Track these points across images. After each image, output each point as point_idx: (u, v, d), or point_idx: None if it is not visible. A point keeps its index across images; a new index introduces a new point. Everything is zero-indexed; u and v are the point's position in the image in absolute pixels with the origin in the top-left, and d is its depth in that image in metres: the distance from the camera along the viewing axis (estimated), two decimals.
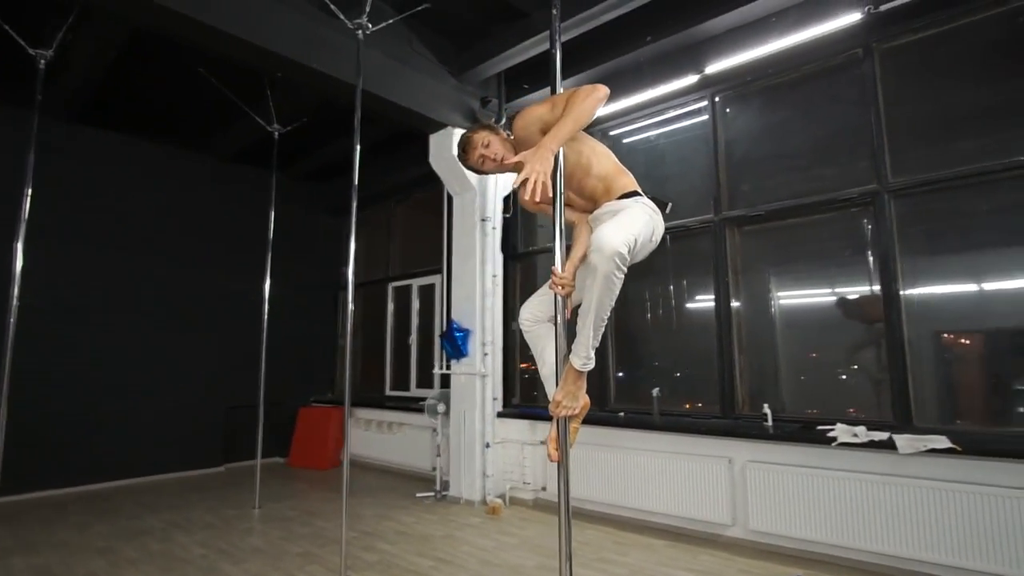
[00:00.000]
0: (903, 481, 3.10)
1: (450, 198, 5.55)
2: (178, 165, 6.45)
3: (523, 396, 5.39)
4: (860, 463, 3.28)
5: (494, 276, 5.18)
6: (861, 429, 3.31)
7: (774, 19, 3.91)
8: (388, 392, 6.66)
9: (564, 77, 4.89)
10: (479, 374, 4.98)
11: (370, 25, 3.69)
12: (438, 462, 5.23)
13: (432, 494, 5.07)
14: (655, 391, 4.29)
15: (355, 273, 7.44)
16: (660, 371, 4.57)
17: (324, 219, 7.68)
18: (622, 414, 4.48)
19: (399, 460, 6.08)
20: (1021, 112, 3.28)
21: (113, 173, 5.98)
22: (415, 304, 6.55)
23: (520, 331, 2.22)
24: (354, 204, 3.75)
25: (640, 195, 1.92)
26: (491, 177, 5.20)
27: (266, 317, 5.09)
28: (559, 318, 1.73)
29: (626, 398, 4.66)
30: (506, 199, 5.38)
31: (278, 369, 5.44)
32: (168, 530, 4.16)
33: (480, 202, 5.19)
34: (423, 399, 5.90)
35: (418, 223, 7.02)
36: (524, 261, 5.56)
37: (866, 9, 3.51)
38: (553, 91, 1.92)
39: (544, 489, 4.74)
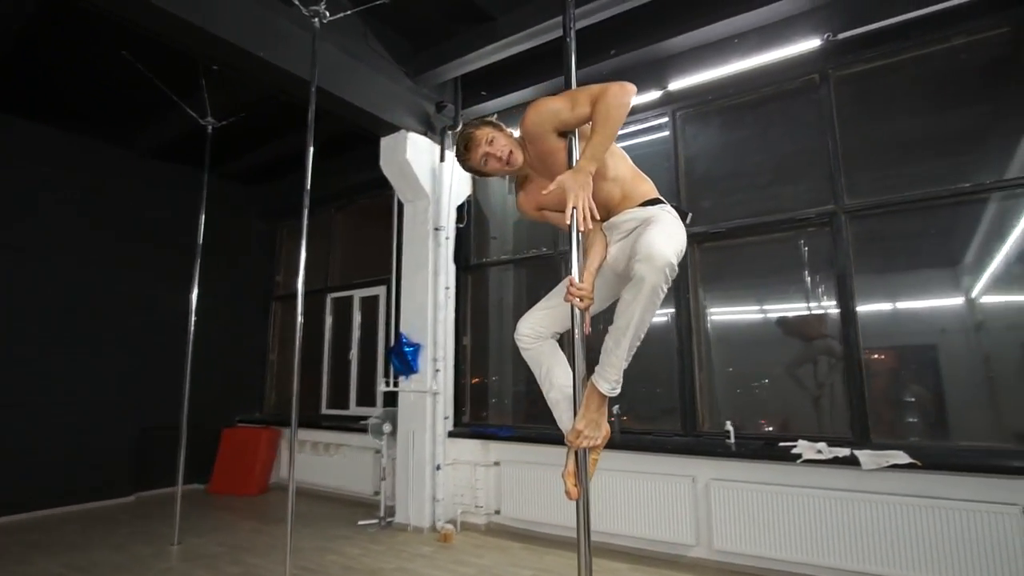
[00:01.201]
0: (865, 496, 3.14)
1: (400, 205, 5.27)
2: (93, 159, 5.79)
3: (473, 415, 5.16)
4: (823, 479, 3.30)
5: (447, 288, 4.95)
6: (823, 445, 3.35)
7: (736, 41, 3.99)
8: (325, 411, 6.21)
9: (522, 88, 4.84)
10: (430, 391, 4.71)
11: (327, 13, 3.43)
12: (382, 486, 4.88)
13: (376, 521, 4.72)
14: (615, 409, 4.20)
15: (290, 283, 7.04)
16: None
17: (256, 224, 7.16)
18: None
19: (337, 484, 5.66)
20: (963, 142, 3.48)
21: (15, 165, 5.27)
22: (356, 317, 6.18)
23: (503, 346, 2.03)
24: (306, 210, 3.42)
25: (664, 202, 1.79)
26: (444, 186, 4.99)
27: (192, 328, 4.59)
28: (577, 333, 1.56)
29: None
30: (460, 208, 5.17)
31: (200, 386, 4.91)
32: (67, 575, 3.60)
33: (434, 211, 4.96)
34: (364, 418, 5.53)
35: (361, 231, 6.66)
36: (476, 273, 5.36)
37: (825, 36, 3.63)
38: (567, 83, 1.76)
39: (497, 512, 4.52)
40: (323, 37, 3.61)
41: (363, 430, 5.32)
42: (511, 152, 1.80)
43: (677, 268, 1.48)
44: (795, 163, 3.97)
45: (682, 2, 3.89)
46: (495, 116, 1.96)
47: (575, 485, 1.61)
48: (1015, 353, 3.25)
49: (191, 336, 4.56)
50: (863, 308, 3.55)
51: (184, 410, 4.48)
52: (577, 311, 1.58)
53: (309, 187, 3.57)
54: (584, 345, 1.59)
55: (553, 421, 4.65)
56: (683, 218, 1.74)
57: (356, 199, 6.46)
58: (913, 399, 3.50)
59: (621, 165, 1.83)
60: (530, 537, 4.28)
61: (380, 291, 5.93)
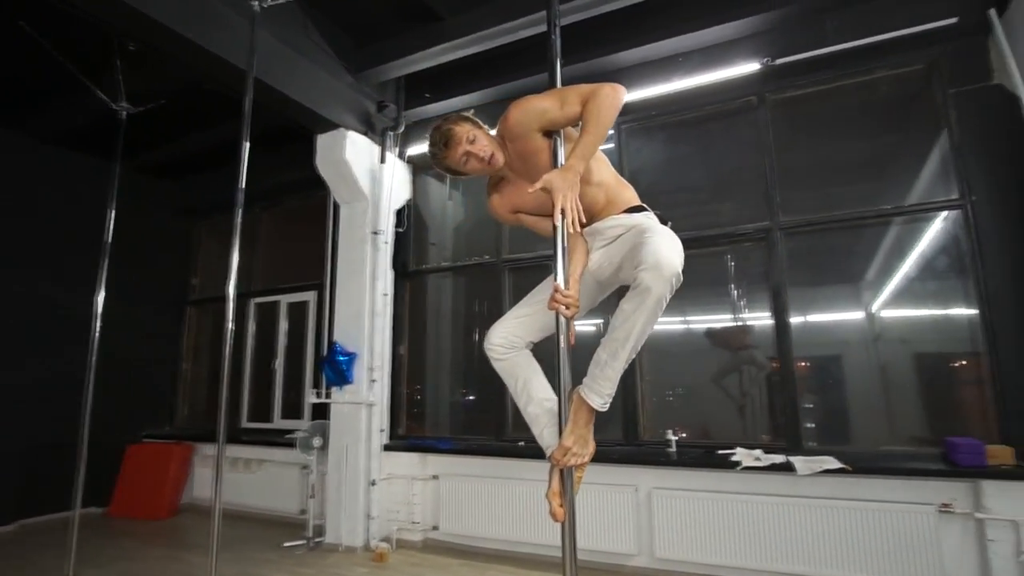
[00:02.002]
0: (800, 501, 3.27)
1: (336, 207, 5.02)
2: None
3: (409, 427, 4.97)
4: (760, 486, 3.41)
5: (385, 295, 4.75)
6: (760, 452, 3.46)
7: (681, 59, 4.11)
8: (245, 424, 5.79)
9: (468, 92, 4.76)
10: (365, 403, 4.48)
11: None
12: (310, 504, 4.58)
13: (303, 542, 4.41)
14: None
15: (204, 287, 6.56)
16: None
17: (170, 222, 6.61)
18: (521, 443, 4.28)
19: (258, 503, 5.26)
20: (884, 167, 3.76)
21: None
22: (283, 324, 5.82)
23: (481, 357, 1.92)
24: (239, 208, 3.14)
25: (647, 210, 1.76)
26: (384, 188, 4.81)
27: (97, 335, 4.12)
28: (563, 342, 1.48)
29: (525, 427, 4.46)
30: (399, 212, 5.00)
31: (101, 398, 4.40)
32: None
33: (372, 214, 4.75)
34: (290, 431, 5.19)
35: (289, 233, 6.31)
36: (415, 280, 5.20)
37: (764, 61, 3.81)
38: (552, 80, 1.70)
39: (435, 528, 4.35)
40: (261, 24, 3.37)
41: (289, 444, 4.98)
42: (492, 154, 1.71)
43: (682, 278, 1.44)
44: (734, 180, 4.13)
45: (630, 18, 3.95)
46: (472, 111, 1.84)
47: (561, 506, 1.52)
48: (924, 364, 3.53)
49: (94, 344, 4.08)
50: (795, 320, 3.73)
51: (85, 425, 3.99)
52: (562, 320, 1.51)
53: (240, 183, 3.24)
54: (570, 356, 1.51)
55: (493, 431, 4.57)
56: (663, 225, 1.72)
57: (284, 199, 6.11)
58: (828, 409, 3.72)
59: (605, 170, 1.79)
60: (470, 553, 4.15)
61: (310, 297, 5.62)
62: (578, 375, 1.57)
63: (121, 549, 4.44)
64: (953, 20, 3.34)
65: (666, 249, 1.40)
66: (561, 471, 1.53)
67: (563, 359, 1.48)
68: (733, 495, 3.45)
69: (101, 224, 4.28)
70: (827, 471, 3.21)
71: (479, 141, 1.70)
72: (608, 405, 1.55)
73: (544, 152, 1.68)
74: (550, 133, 1.68)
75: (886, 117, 3.85)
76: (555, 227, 1.53)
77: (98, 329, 4.10)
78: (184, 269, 6.65)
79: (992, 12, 3.19)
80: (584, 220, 1.56)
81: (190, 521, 5.36)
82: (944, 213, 3.49)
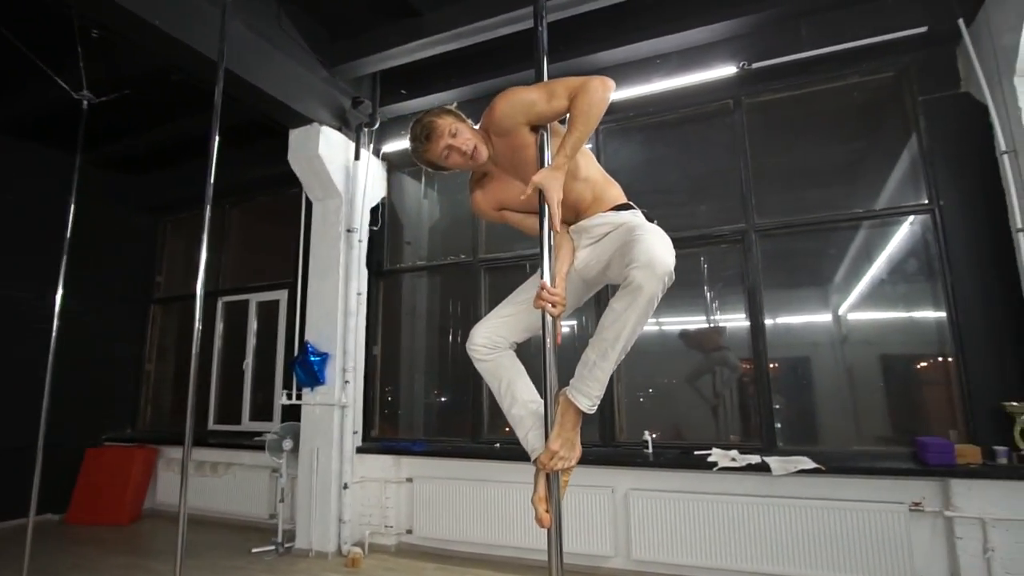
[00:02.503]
0: (775, 501, 3.30)
1: (309, 204, 4.91)
2: None
3: (383, 428, 4.88)
4: (736, 486, 3.43)
5: (359, 294, 4.65)
6: (736, 453, 3.48)
7: (659, 61, 4.12)
8: (212, 426, 5.61)
9: (444, 89, 4.69)
10: (338, 404, 4.38)
11: None
12: (280, 508, 4.46)
13: (272, 548, 4.29)
14: None
15: (169, 285, 6.36)
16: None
17: (133, 218, 6.37)
18: (497, 445, 4.23)
19: (226, 508, 5.10)
20: (857, 171, 3.83)
21: None
22: (253, 323, 5.66)
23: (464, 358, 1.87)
24: (208, 204, 3.01)
25: (634, 207, 1.73)
26: (359, 185, 4.72)
27: (54, 334, 3.93)
28: (549, 343, 1.44)
29: (501, 428, 4.43)
30: (374, 210, 4.91)
31: (59, 400, 4.18)
32: None
33: (347, 211, 4.65)
34: (260, 434, 5.07)
35: (259, 230, 6.16)
36: (389, 279, 5.11)
37: (740, 65, 3.83)
38: (538, 74, 1.66)
39: (409, 532, 4.27)
40: (232, 14, 3.26)
41: (258, 447, 4.85)
42: (475, 147, 1.67)
43: (674, 276, 1.41)
44: (710, 182, 4.16)
45: (610, 18, 3.94)
46: (455, 104, 1.79)
47: (547, 511, 1.48)
48: (895, 366, 3.60)
49: (52, 343, 3.90)
50: (769, 321, 3.77)
51: (41, 428, 3.81)
52: (548, 319, 1.47)
53: (209, 179, 3.12)
54: (556, 356, 1.47)
55: (469, 433, 4.51)
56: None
57: (254, 195, 5.95)
58: (804, 410, 3.77)
59: (592, 166, 1.76)
60: (445, 556, 4.08)
61: (281, 295, 5.48)
62: (564, 375, 1.53)
63: (80, 557, 4.25)
64: (923, 29, 3.41)
65: (659, 247, 1.38)
66: (547, 475, 1.49)
67: (549, 359, 1.44)
68: (709, 495, 3.46)
69: (60, 218, 4.09)
70: (801, 471, 3.24)
71: (461, 134, 1.65)
72: (596, 407, 1.52)
73: (531, 147, 1.64)
74: (537, 127, 1.64)
75: (858, 122, 3.92)
76: (541, 225, 1.49)
77: (56, 328, 3.90)
78: (148, 267, 6.43)
79: (961, 22, 3.26)
80: (567, 218, 1.53)
81: (153, 527, 5.17)
82: (911, 217, 3.56)
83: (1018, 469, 2.93)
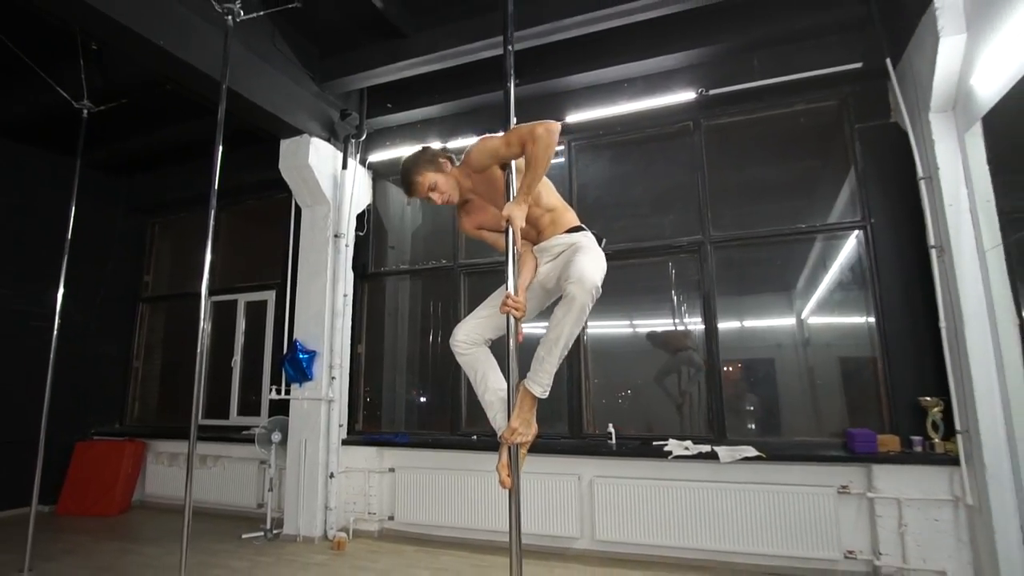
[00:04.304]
0: (723, 485, 3.68)
1: (298, 210, 5.17)
2: None
3: (366, 423, 5.16)
4: (689, 473, 3.81)
5: (345, 296, 4.93)
6: (689, 443, 3.86)
7: (626, 84, 4.48)
8: (201, 421, 5.81)
9: (427, 104, 4.99)
10: (325, 399, 4.66)
11: (242, 12, 3.37)
12: (268, 497, 4.72)
13: (261, 534, 4.56)
14: None
15: (157, 285, 6.54)
16: None
17: (122, 219, 6.54)
18: (475, 437, 4.56)
19: (215, 499, 5.33)
20: (809, 189, 4.25)
21: None
22: (240, 323, 5.90)
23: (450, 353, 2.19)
24: (212, 210, 3.29)
25: (586, 229, 2.07)
26: (346, 193, 5.00)
27: (55, 332, 4.15)
28: (512, 341, 1.78)
29: (479, 422, 4.75)
30: (360, 216, 5.19)
31: (51, 396, 4.36)
32: None
33: (334, 217, 4.93)
34: (246, 428, 5.32)
35: (247, 233, 6.38)
36: (374, 282, 5.40)
37: (699, 91, 4.22)
38: (506, 96, 1.97)
39: (391, 518, 4.57)
40: (232, 34, 3.53)
41: (245, 440, 5.12)
42: (450, 196, 2.04)
43: (601, 290, 1.77)
44: (671, 197, 4.54)
45: (580, 45, 4.29)
46: (441, 148, 2.12)
47: (508, 476, 1.82)
48: (834, 366, 4.02)
49: (54, 340, 4.12)
50: (722, 325, 4.15)
51: (43, 420, 4.03)
52: (512, 321, 1.80)
53: (213, 186, 3.39)
54: (518, 352, 1.81)
55: (448, 426, 4.82)
56: (599, 242, 2.04)
57: (243, 200, 6.17)
58: (753, 405, 4.18)
59: (551, 196, 2.10)
60: (424, 540, 4.39)
61: (269, 296, 5.73)
62: (524, 368, 1.88)
63: (74, 544, 4.47)
64: (859, 65, 3.83)
65: (589, 267, 1.74)
66: (509, 448, 1.82)
67: (512, 356, 1.78)
68: (666, 481, 3.83)
69: (49, 218, 4.30)
70: (746, 459, 3.63)
71: (438, 188, 2.01)
72: (547, 393, 1.86)
73: (500, 180, 1.98)
74: (504, 166, 1.97)
75: (805, 145, 4.34)
76: (507, 245, 1.83)
77: (56, 327, 4.12)
78: (137, 267, 6.61)
79: (888, 61, 3.68)
80: (530, 238, 1.89)
81: (142, 517, 5.38)
82: (856, 232, 3.97)
83: (929, 456, 3.35)
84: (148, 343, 6.58)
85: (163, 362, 6.57)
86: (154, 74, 4.47)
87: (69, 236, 4.27)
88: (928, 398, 3.42)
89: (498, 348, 2.18)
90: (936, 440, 3.38)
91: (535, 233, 2.09)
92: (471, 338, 2.06)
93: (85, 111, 4.40)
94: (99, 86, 4.53)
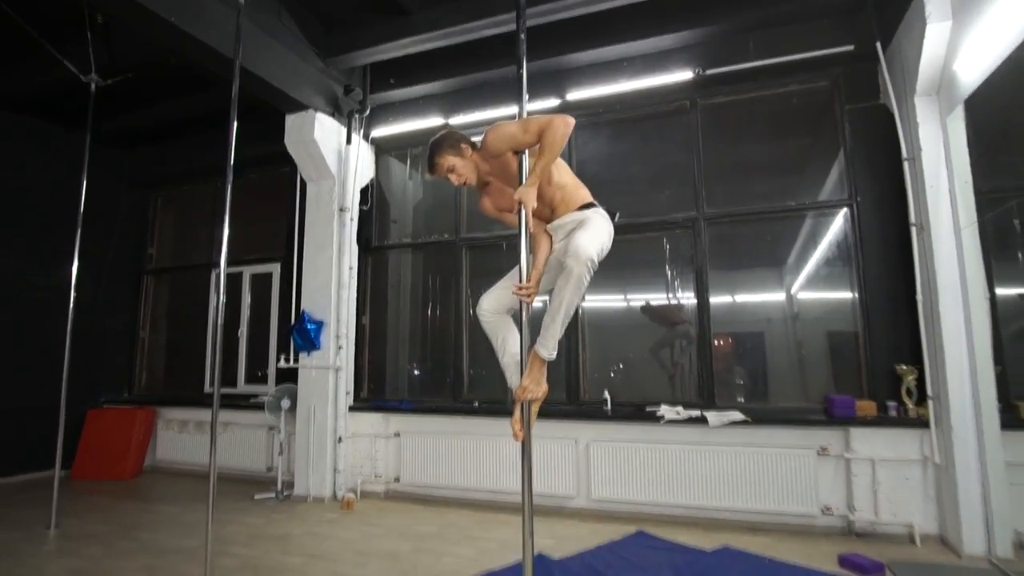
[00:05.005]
0: (711, 448, 3.93)
1: (303, 184, 5.29)
2: None
3: (370, 390, 5.37)
4: (680, 436, 4.05)
5: (351, 268, 5.09)
6: (680, 408, 4.10)
7: (625, 63, 4.59)
8: (208, 389, 6.02)
9: (429, 81, 5.08)
10: (333, 367, 4.86)
11: None
12: (279, 461, 4.95)
13: (272, 495, 4.79)
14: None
15: (161, 257, 6.64)
16: None
17: (125, 193, 6.61)
18: (476, 403, 4.78)
19: (225, 463, 5.54)
20: (801, 168, 4.41)
21: None
22: (246, 295, 6.04)
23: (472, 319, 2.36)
24: (228, 184, 3.41)
25: (597, 205, 2.23)
26: (351, 168, 5.11)
27: (72, 305, 4.28)
28: (524, 316, 1.97)
29: (482, 389, 4.97)
30: (364, 190, 5.31)
31: (58, 365, 4.51)
32: None
33: (339, 191, 5.06)
34: (254, 396, 5.53)
35: (251, 206, 6.46)
36: (377, 255, 5.55)
37: (697, 70, 4.34)
38: (519, 73, 2.11)
39: (397, 480, 4.82)
40: (245, 13, 3.60)
41: (254, 407, 5.33)
42: (467, 179, 2.20)
43: (597, 263, 1.98)
44: (668, 174, 4.70)
45: (583, 24, 4.38)
46: (446, 126, 2.26)
47: (521, 430, 2.02)
48: (821, 339, 4.25)
49: (71, 312, 4.26)
50: (714, 299, 4.36)
51: (63, 389, 4.21)
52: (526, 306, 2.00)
53: (229, 161, 3.51)
54: (529, 324, 2.01)
55: (451, 394, 5.02)
56: (612, 217, 2.22)
57: (246, 173, 6.25)
58: (742, 377, 4.42)
59: (564, 174, 2.25)
60: (429, 500, 4.65)
61: (274, 268, 5.86)
62: (535, 334, 2.08)
63: (94, 504, 4.68)
64: (850, 47, 3.97)
65: (585, 240, 1.94)
66: (521, 405, 2.02)
67: (524, 327, 1.97)
68: (658, 444, 4.07)
69: (53, 191, 4.37)
70: (733, 423, 3.87)
71: (456, 170, 2.16)
72: (554, 355, 2.07)
73: (514, 164, 2.13)
74: (518, 151, 2.12)
75: (798, 125, 4.49)
76: (520, 225, 1.99)
77: (72, 300, 4.26)
78: (141, 239, 6.70)
79: (878, 44, 3.82)
80: (544, 215, 2.06)
81: (155, 480, 5.60)
82: (843, 210, 4.15)
83: (903, 419, 3.61)
84: (154, 314, 6.72)
85: (168, 333, 6.72)
86: (159, 48, 4.53)
87: (82, 210, 4.37)
88: (903, 366, 3.66)
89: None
90: (910, 405, 3.63)
91: (548, 211, 2.24)
92: (493, 307, 2.24)
93: (93, 84, 4.47)
94: (105, 61, 4.59)
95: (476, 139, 2.25)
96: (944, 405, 3.35)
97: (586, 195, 2.27)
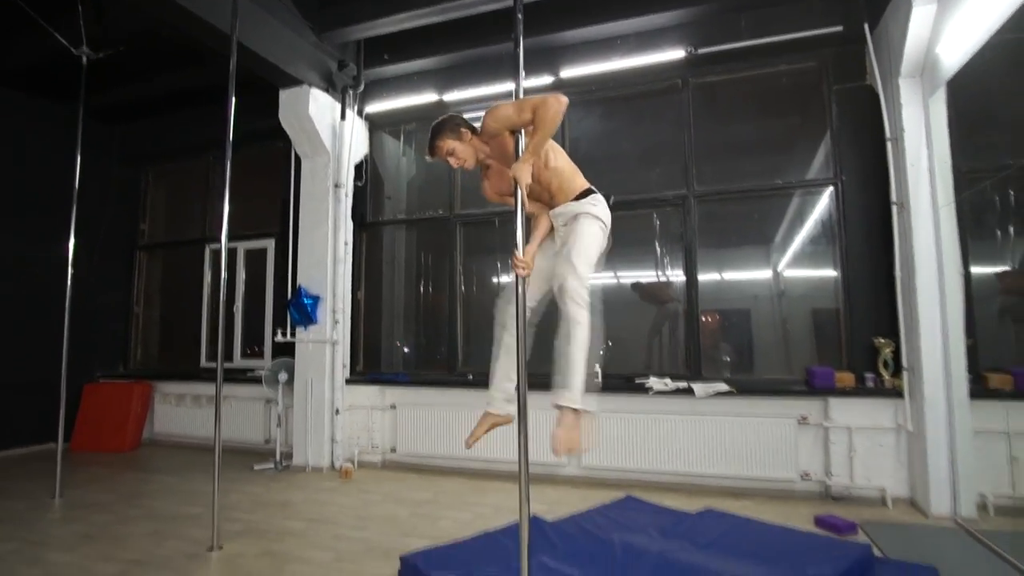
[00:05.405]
0: (697, 417, 4.10)
1: (295, 159, 5.31)
2: None
3: (366, 364, 5.47)
4: (667, 406, 4.21)
5: (346, 244, 5.15)
6: (668, 380, 4.25)
7: (618, 41, 4.64)
8: (204, 364, 6.09)
9: (423, 56, 5.09)
10: (329, 341, 4.95)
11: None
12: (277, 433, 5.06)
13: (271, 465, 4.91)
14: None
15: (153, 233, 6.64)
16: None
17: (116, 168, 6.58)
18: (471, 376, 4.91)
19: (223, 435, 5.52)
20: (789, 147, 4.52)
21: None
22: (240, 270, 6.08)
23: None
24: (228, 161, 3.45)
25: (594, 192, 2.31)
26: (345, 144, 5.14)
27: (69, 282, 4.32)
28: (519, 289, 2.04)
29: (475, 363, 5.10)
30: (358, 167, 5.35)
31: (54, 341, 4.54)
32: None
33: (334, 167, 5.09)
34: (250, 370, 5.61)
35: (244, 182, 6.44)
36: (372, 231, 5.61)
37: (688, 49, 4.40)
38: (515, 49, 2.17)
39: (393, 451, 4.96)
40: None
41: (250, 381, 5.41)
42: (465, 161, 2.26)
43: (588, 286, 2.06)
44: (659, 152, 4.78)
45: (576, 1, 4.41)
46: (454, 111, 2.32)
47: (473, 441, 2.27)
48: (806, 314, 4.41)
49: (68, 288, 4.30)
50: (702, 276, 4.49)
51: (63, 365, 4.27)
52: (519, 279, 2.06)
53: (228, 136, 3.54)
54: (524, 304, 2.07)
55: (445, 367, 5.10)
56: (607, 200, 2.31)
57: (240, 148, 6.21)
58: (728, 354, 4.58)
59: (560, 159, 2.32)
60: (424, 469, 4.80)
61: (269, 244, 5.90)
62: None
63: (95, 475, 4.78)
64: (839, 28, 4.05)
65: (569, 273, 2.04)
66: (487, 426, 2.35)
67: (519, 299, 2.04)
68: (646, 414, 4.23)
69: (42, 166, 4.34)
70: (719, 393, 4.03)
71: (455, 153, 2.22)
72: (580, 403, 2.13)
73: (511, 145, 2.20)
74: (515, 131, 2.19)
75: (788, 105, 4.59)
76: (516, 202, 2.07)
77: (70, 277, 4.30)
78: (132, 215, 6.69)
79: (866, 26, 3.90)
80: (543, 199, 2.17)
81: (153, 452, 5.70)
82: (829, 188, 4.26)
83: (879, 390, 3.79)
84: (147, 290, 6.74)
85: (162, 308, 6.76)
86: (151, 21, 4.49)
87: (76, 186, 4.38)
88: (881, 340, 3.83)
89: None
90: (886, 377, 3.80)
91: (548, 196, 2.31)
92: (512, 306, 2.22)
93: (85, 58, 4.43)
94: (96, 34, 4.55)
95: (477, 125, 2.32)
96: (918, 376, 3.52)
97: (583, 182, 2.33)
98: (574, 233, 2.18)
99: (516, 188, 2.07)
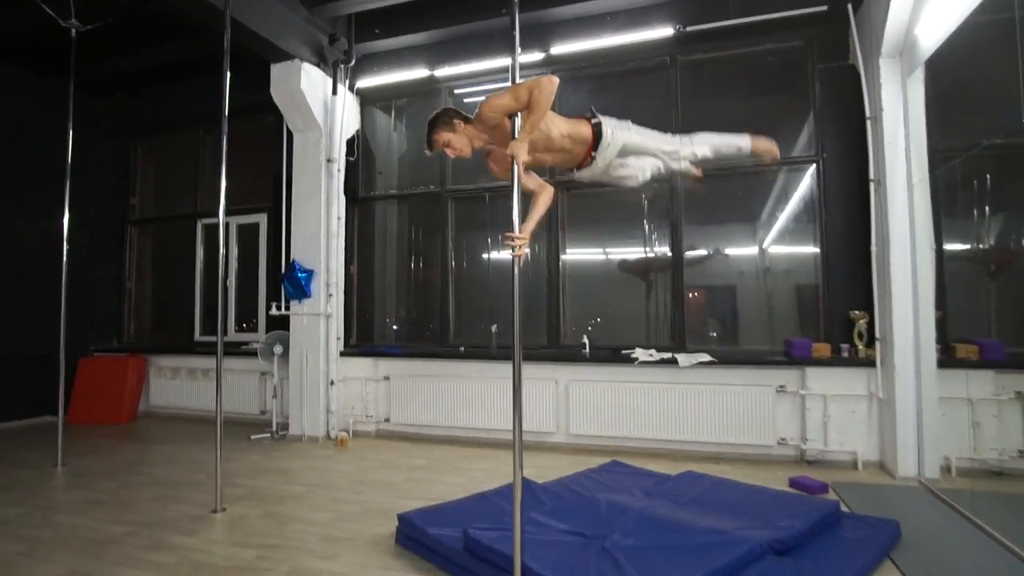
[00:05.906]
0: (681, 386, 4.27)
1: (286, 134, 5.33)
2: None
3: (359, 336, 5.59)
4: (652, 376, 4.37)
5: (339, 218, 5.21)
6: (653, 351, 4.41)
7: (609, 18, 4.68)
8: (198, 338, 6.17)
9: (413, 31, 5.10)
10: (323, 314, 5.05)
11: None
12: (272, 404, 5.19)
13: (268, 435, 5.05)
14: (494, 327, 4.96)
15: (144, 207, 6.65)
16: (499, 311, 5.17)
17: (105, 142, 6.54)
18: (462, 348, 5.04)
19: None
20: (767, 124, 4.60)
21: None
22: (233, 245, 6.12)
23: None
24: (224, 136, 3.50)
25: (598, 118, 2.52)
26: (337, 118, 5.17)
27: (65, 258, 4.37)
28: (516, 270, 2.13)
29: (467, 336, 5.23)
30: (350, 142, 5.38)
31: (47, 315, 4.58)
32: None
33: (326, 143, 5.13)
34: (244, 343, 5.70)
35: (236, 156, 6.42)
36: (364, 206, 5.67)
37: (677, 27, 4.47)
38: (512, 24, 2.25)
39: (387, 420, 5.10)
40: None
41: (245, 354, 5.51)
42: (462, 151, 2.38)
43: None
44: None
45: None
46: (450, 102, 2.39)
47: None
48: (790, 290, 4.57)
49: (64, 263, 4.35)
50: (689, 253, 4.62)
51: (61, 339, 4.35)
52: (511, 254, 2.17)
53: (223, 111, 3.58)
54: (519, 267, 2.17)
55: (437, 339, 5.22)
56: (592, 113, 2.56)
57: (230, 123, 6.21)
58: (715, 329, 4.74)
59: (559, 121, 2.44)
60: (417, 438, 4.96)
61: (261, 219, 5.94)
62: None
63: (95, 445, 4.89)
64: (823, 8, 4.12)
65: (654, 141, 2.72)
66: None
67: (515, 279, 2.13)
68: (632, 383, 4.39)
69: (30, 139, 4.31)
70: (701, 363, 4.20)
71: (451, 145, 2.34)
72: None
73: (509, 126, 2.30)
74: (512, 116, 2.28)
75: (774, 83, 4.68)
76: (512, 179, 2.17)
77: (65, 252, 4.34)
78: (123, 189, 6.67)
79: (849, 6, 3.99)
80: (569, 165, 2.51)
81: (150, 424, 5.81)
82: (812, 166, 4.38)
83: (853, 360, 3.97)
84: (139, 264, 6.77)
85: (155, 282, 6.80)
86: None
87: (69, 160, 4.39)
88: (856, 312, 4.00)
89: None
90: (860, 347, 3.98)
91: (566, 155, 2.50)
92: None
93: (73, 30, 4.41)
94: (84, 5, 4.51)
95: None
96: (889, 346, 3.70)
97: (586, 127, 2.50)
98: (634, 157, 2.70)
99: (513, 165, 2.16)
